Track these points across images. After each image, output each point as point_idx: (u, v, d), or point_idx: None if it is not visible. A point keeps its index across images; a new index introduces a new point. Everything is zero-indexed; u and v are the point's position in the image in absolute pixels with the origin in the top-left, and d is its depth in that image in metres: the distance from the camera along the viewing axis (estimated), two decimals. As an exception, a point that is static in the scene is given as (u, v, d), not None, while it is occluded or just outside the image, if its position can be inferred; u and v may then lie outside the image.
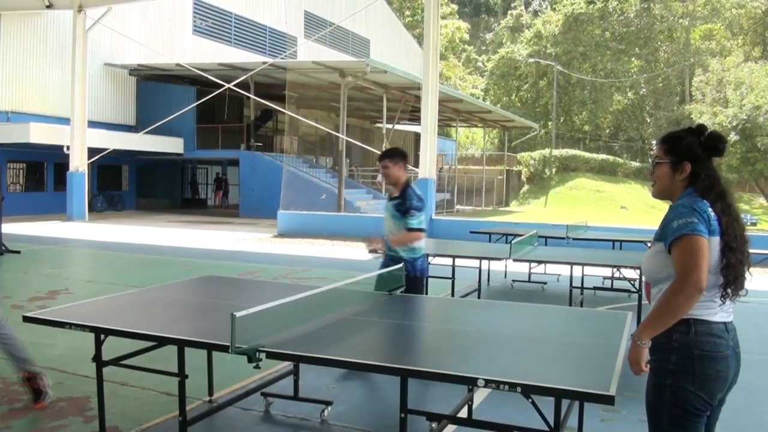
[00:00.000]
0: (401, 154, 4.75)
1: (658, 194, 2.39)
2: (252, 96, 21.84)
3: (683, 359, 2.17)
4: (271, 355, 2.68)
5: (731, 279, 2.18)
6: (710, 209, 2.20)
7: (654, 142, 47.73)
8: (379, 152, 23.56)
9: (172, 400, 3.98)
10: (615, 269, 7.31)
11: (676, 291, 2.14)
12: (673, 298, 2.14)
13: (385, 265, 4.53)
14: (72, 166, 19.97)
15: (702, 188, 2.24)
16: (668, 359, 2.20)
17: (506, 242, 7.97)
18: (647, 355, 2.23)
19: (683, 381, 2.17)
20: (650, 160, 2.45)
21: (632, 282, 6.78)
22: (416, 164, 16.77)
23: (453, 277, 7.18)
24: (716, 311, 2.21)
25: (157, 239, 15.10)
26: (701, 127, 2.32)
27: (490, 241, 9.98)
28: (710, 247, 2.16)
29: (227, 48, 28.40)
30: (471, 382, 2.49)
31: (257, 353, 2.65)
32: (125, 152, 23.57)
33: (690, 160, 2.27)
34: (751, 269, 2.34)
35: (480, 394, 4.13)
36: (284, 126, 28.61)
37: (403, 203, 4.52)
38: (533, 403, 2.47)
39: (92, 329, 3.16)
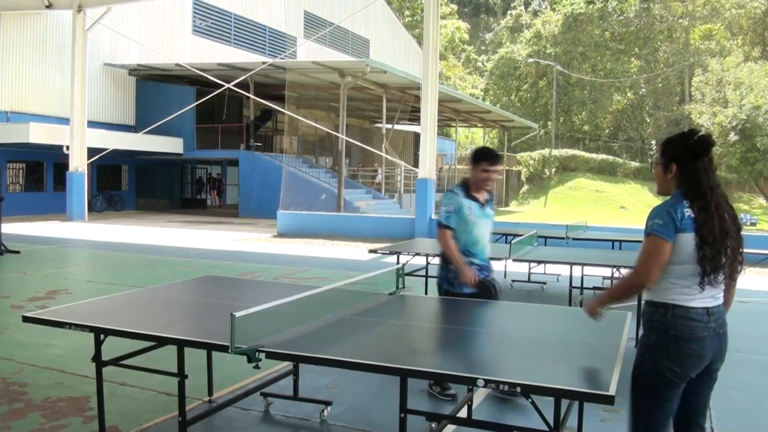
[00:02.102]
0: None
1: (659, 192, 2.63)
2: (251, 96, 21.84)
3: (661, 337, 2.45)
4: (270, 355, 2.68)
5: (708, 269, 2.39)
6: (688, 209, 2.42)
7: (654, 142, 47.83)
8: (378, 152, 23.48)
9: (171, 400, 3.98)
10: (615, 269, 7.30)
11: (625, 282, 2.61)
12: (623, 286, 2.61)
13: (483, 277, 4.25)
14: (72, 166, 19.97)
15: (686, 188, 2.47)
16: (649, 336, 2.50)
17: (506, 242, 7.96)
18: (598, 312, 2.69)
19: (659, 356, 2.45)
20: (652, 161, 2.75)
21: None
22: (416, 164, 16.77)
23: (453, 277, 7.17)
24: (694, 297, 2.44)
25: (156, 239, 15.10)
26: (693, 131, 2.54)
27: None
28: (681, 242, 2.41)
29: (227, 48, 28.40)
30: (471, 382, 2.49)
31: (257, 353, 2.65)
32: (125, 152, 23.56)
33: (675, 161, 2.51)
34: (751, 268, 2.47)
35: (480, 394, 4.13)
36: (284, 126, 28.61)
37: (492, 198, 4.39)
38: (533, 403, 2.47)
39: (92, 329, 3.16)
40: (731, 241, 2.43)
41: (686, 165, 2.47)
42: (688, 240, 2.39)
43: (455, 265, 4.09)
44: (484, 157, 4.17)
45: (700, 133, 2.50)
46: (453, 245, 4.13)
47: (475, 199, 4.21)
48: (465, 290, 4.11)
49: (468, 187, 4.26)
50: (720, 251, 2.39)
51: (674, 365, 2.43)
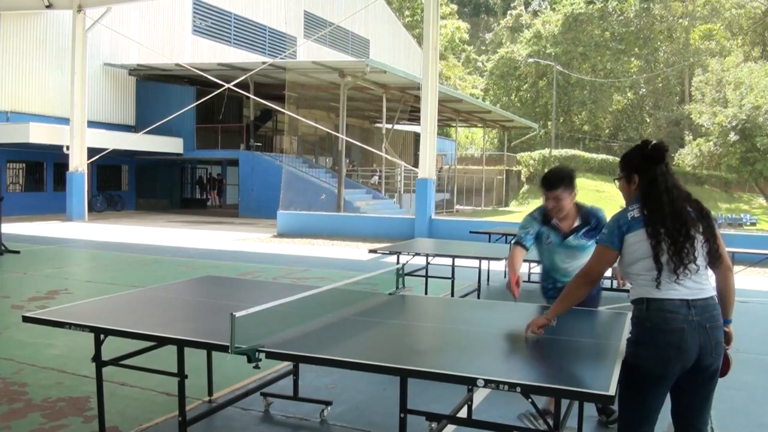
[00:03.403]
0: (573, 177, 3.71)
1: (626, 205, 2.75)
2: (251, 96, 21.84)
3: (640, 330, 2.55)
4: (270, 355, 2.68)
5: (666, 264, 2.49)
6: (632, 212, 2.58)
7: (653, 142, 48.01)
8: (378, 152, 23.48)
9: (171, 400, 3.98)
10: (614, 269, 7.30)
11: (573, 281, 2.78)
12: (570, 285, 2.78)
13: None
14: (71, 166, 19.97)
15: (642, 194, 2.61)
16: (631, 332, 2.60)
17: (506, 242, 7.96)
18: (541, 327, 2.86)
19: (639, 348, 2.53)
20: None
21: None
22: (416, 164, 16.77)
23: (453, 277, 7.18)
24: (665, 290, 2.50)
25: (156, 239, 15.10)
26: (646, 141, 2.70)
27: (489, 241, 9.96)
28: (630, 242, 2.56)
29: (227, 48, 28.40)
30: (471, 382, 2.49)
31: (257, 353, 2.65)
32: (125, 152, 23.57)
33: (636, 172, 2.65)
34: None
35: (480, 394, 4.13)
36: (284, 126, 28.61)
37: (598, 224, 3.69)
38: (533, 403, 2.48)
39: (92, 329, 3.16)
40: (695, 232, 2.51)
41: (646, 173, 2.61)
42: (636, 238, 2.54)
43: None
44: (542, 183, 3.69)
45: (654, 142, 2.67)
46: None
47: (555, 228, 3.75)
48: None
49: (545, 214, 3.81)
50: (679, 244, 2.48)
51: (653, 358, 2.47)
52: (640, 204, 2.58)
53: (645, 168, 2.61)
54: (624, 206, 2.71)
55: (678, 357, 2.46)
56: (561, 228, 3.72)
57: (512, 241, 3.90)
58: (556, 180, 3.62)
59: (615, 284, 8.14)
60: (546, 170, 4.43)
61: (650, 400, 2.53)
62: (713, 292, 2.57)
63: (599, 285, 3.75)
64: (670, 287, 2.50)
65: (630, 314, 3.37)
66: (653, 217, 2.52)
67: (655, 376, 2.49)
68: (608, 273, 3.59)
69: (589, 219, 3.71)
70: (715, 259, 2.57)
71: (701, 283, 2.52)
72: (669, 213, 2.51)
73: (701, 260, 2.52)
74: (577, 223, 3.70)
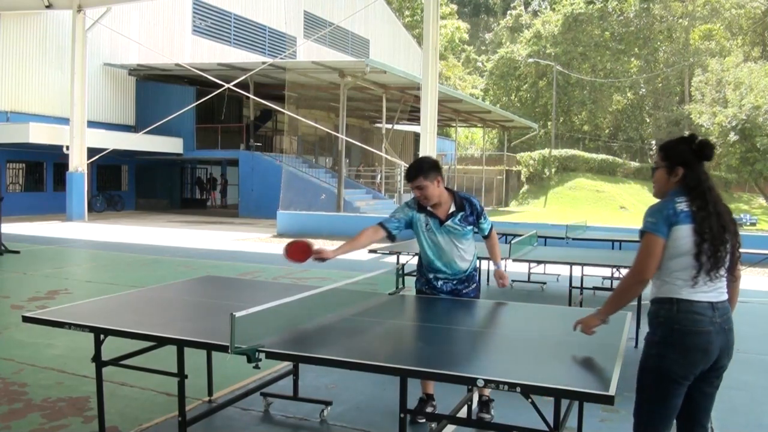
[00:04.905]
0: (434, 166, 3.82)
1: (657, 195, 2.71)
2: (251, 96, 21.84)
3: (666, 332, 2.50)
4: (270, 355, 2.68)
5: (706, 264, 2.46)
6: (681, 204, 2.51)
7: (654, 142, 47.77)
8: (378, 152, 23.48)
9: (171, 400, 3.98)
10: (614, 269, 7.30)
11: (624, 279, 2.65)
12: (622, 284, 2.66)
13: (451, 293, 3.93)
14: (71, 166, 19.97)
15: (686, 187, 2.55)
16: (655, 332, 2.55)
17: (506, 242, 7.95)
18: (596, 327, 2.73)
19: (665, 350, 2.49)
20: (652, 165, 2.80)
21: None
22: (416, 164, 16.69)
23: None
24: (697, 291, 2.49)
25: (156, 239, 15.10)
26: (692, 136, 2.65)
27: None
28: (677, 235, 2.49)
29: (227, 48, 28.39)
30: (471, 382, 2.49)
31: (257, 353, 2.65)
32: (125, 152, 23.56)
33: (682, 165, 2.59)
34: (751, 268, 2.50)
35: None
36: (284, 126, 28.61)
37: (472, 211, 3.86)
38: (533, 403, 2.47)
39: (92, 329, 3.16)
40: (730, 237, 2.51)
41: (693, 168, 2.56)
42: (684, 232, 2.48)
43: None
44: (405, 175, 3.80)
45: (700, 138, 2.61)
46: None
47: (432, 214, 3.85)
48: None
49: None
50: (719, 247, 2.47)
51: (680, 360, 2.46)
52: (686, 198, 2.52)
53: (692, 163, 2.57)
54: (659, 198, 2.65)
55: (703, 359, 2.49)
56: (437, 214, 3.83)
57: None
58: (414, 171, 3.74)
59: (611, 284, 8.16)
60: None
61: (673, 401, 2.53)
62: (727, 296, 2.60)
63: None
64: (702, 289, 2.49)
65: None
66: (701, 214, 2.48)
67: (680, 377, 2.49)
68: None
69: (464, 205, 3.84)
70: (733, 267, 2.60)
71: (722, 287, 2.54)
72: (713, 213, 2.49)
73: (727, 264, 2.54)
74: (452, 209, 3.82)
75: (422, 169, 3.74)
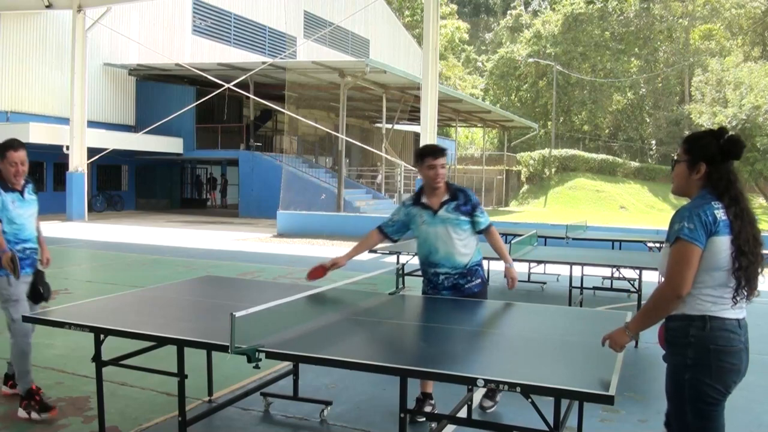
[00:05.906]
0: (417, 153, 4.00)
1: (675, 191, 2.48)
2: (251, 96, 21.84)
3: (700, 353, 2.28)
4: (270, 355, 2.68)
5: (743, 280, 2.26)
6: (719, 211, 2.25)
7: (653, 142, 47.72)
8: (378, 152, 23.46)
9: (171, 400, 3.98)
10: (614, 269, 7.30)
11: (659, 293, 2.31)
12: (657, 299, 2.32)
13: (449, 290, 3.93)
14: (71, 166, 19.97)
15: (717, 190, 2.30)
16: (685, 354, 2.30)
17: (506, 242, 7.95)
18: (625, 344, 2.45)
19: (701, 374, 2.27)
20: (673, 157, 2.53)
21: (632, 282, 6.77)
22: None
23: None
24: (729, 308, 2.30)
25: (156, 239, 15.09)
26: (722, 130, 2.36)
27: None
28: (715, 247, 2.23)
29: (227, 48, 28.39)
30: (471, 382, 2.49)
31: (257, 353, 2.65)
32: (125, 152, 23.57)
33: (705, 161, 2.33)
34: (765, 271, 2.37)
35: (480, 394, 4.13)
36: (284, 126, 28.60)
37: (466, 201, 3.91)
38: (533, 403, 2.47)
39: (92, 329, 3.16)
40: (759, 248, 2.31)
41: (717, 166, 2.31)
42: (722, 245, 2.24)
43: None
44: (428, 152, 3.87)
45: (730, 134, 2.34)
46: None
47: (426, 206, 3.91)
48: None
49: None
50: (755, 261, 2.27)
51: (717, 383, 2.29)
52: (718, 204, 2.26)
53: (718, 161, 2.30)
54: (678, 195, 2.44)
55: (736, 380, 2.35)
56: (431, 205, 3.89)
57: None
58: (440, 150, 3.92)
59: (612, 284, 8.17)
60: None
61: (719, 425, 2.37)
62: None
63: None
64: (737, 306, 2.32)
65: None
66: (741, 231, 2.24)
67: (720, 401, 2.33)
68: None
69: (457, 195, 3.90)
70: (756, 281, 2.43)
71: (745, 303, 2.38)
72: (748, 222, 2.27)
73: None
74: (446, 198, 3.89)
75: (444, 151, 3.96)
